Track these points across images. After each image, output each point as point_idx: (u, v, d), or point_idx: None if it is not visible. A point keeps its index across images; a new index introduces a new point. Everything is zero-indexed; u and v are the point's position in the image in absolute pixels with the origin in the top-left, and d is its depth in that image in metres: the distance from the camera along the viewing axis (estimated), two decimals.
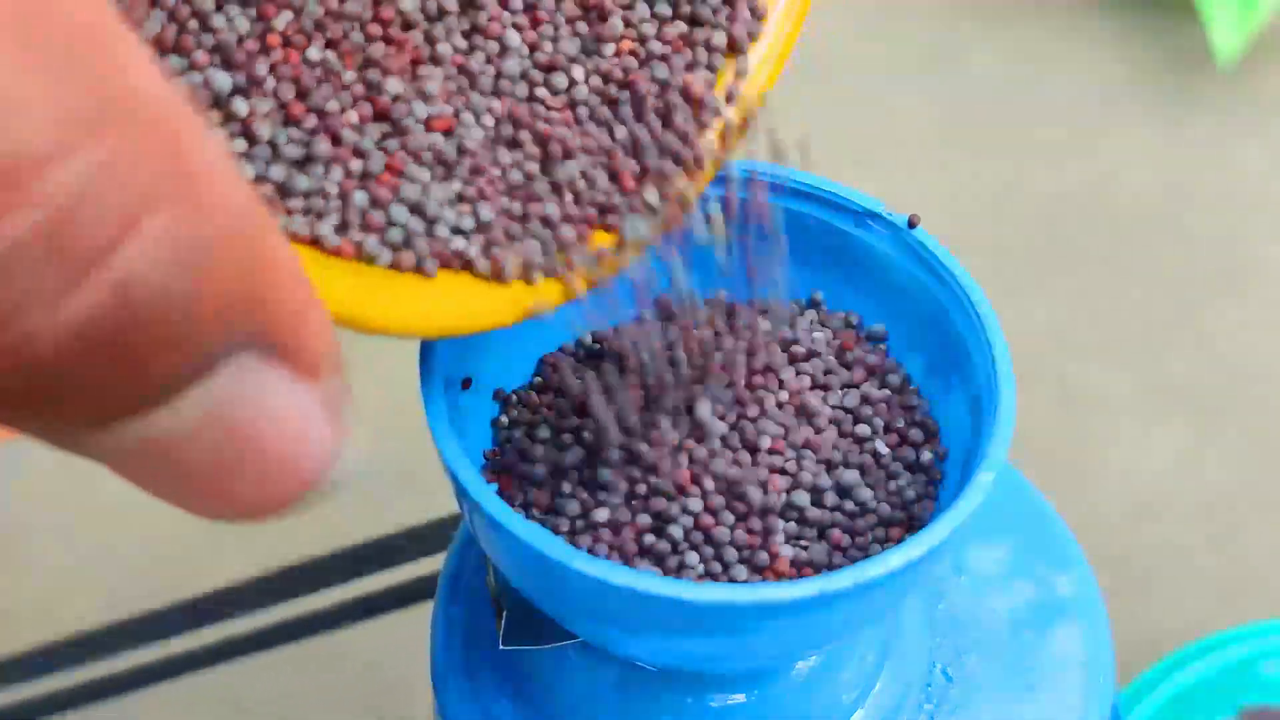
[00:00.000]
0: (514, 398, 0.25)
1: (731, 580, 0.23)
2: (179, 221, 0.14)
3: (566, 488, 0.23)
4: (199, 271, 0.14)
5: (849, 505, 0.24)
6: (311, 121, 0.21)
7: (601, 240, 0.22)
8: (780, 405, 0.24)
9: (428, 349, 0.24)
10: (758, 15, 0.24)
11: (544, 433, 0.24)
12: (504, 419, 0.25)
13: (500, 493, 0.24)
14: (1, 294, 0.13)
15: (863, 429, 0.25)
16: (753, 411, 0.24)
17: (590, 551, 0.23)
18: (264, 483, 0.16)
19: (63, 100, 0.13)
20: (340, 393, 0.16)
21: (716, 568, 0.23)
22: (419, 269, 0.21)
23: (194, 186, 0.14)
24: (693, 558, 0.23)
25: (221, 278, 0.14)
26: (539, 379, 0.26)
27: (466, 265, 0.22)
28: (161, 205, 0.14)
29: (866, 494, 0.24)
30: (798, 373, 0.25)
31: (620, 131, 0.23)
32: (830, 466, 0.24)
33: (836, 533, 0.23)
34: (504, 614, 0.26)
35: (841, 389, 0.25)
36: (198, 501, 0.16)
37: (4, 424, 0.14)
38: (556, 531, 0.23)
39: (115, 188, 0.13)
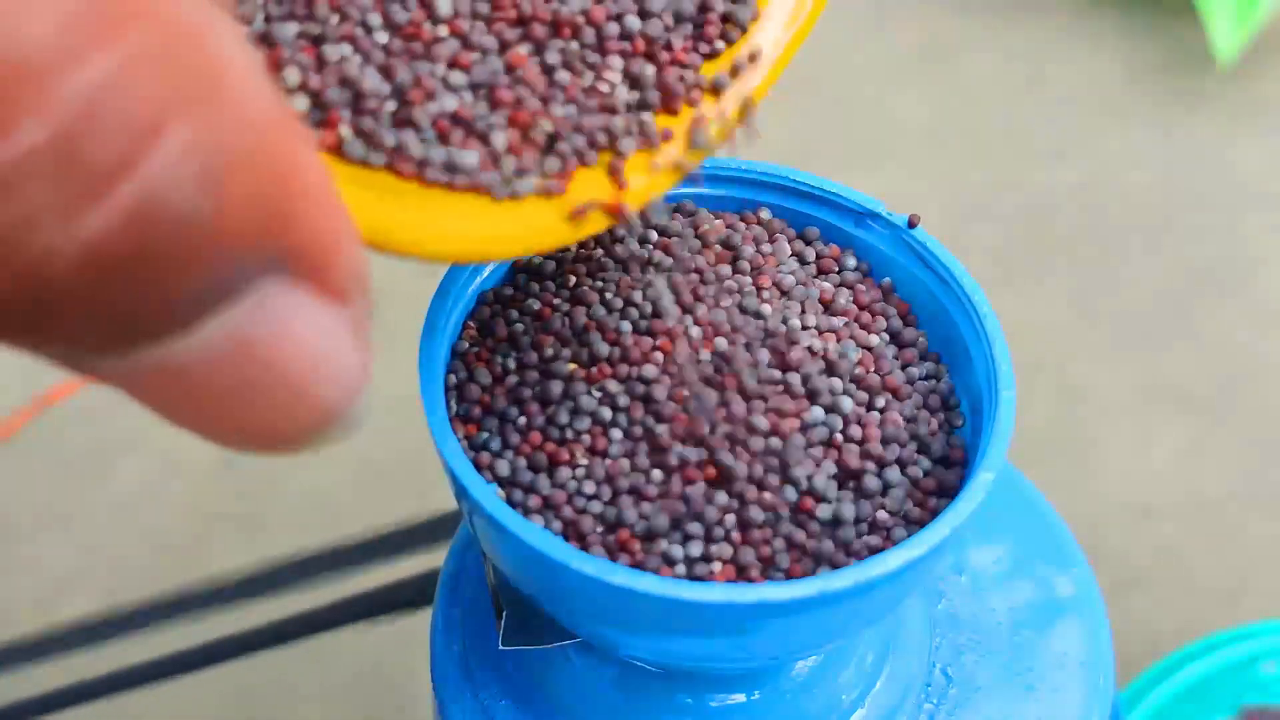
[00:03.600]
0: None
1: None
2: (204, 133, 0.12)
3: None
4: (225, 188, 0.13)
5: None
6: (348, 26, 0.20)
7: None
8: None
9: (428, 348, 0.24)
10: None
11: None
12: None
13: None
14: (11, 210, 0.12)
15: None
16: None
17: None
18: (286, 410, 0.14)
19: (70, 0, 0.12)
20: (367, 317, 0.15)
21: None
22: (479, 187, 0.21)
23: (220, 94, 0.13)
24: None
25: (248, 194, 0.13)
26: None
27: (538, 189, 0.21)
28: (184, 115, 0.12)
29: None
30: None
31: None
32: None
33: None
34: (504, 614, 0.26)
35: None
36: (216, 429, 0.15)
37: (16, 347, 0.13)
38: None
39: (133, 96, 0.12)
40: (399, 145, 0.21)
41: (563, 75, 0.22)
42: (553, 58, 0.22)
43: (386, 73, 0.21)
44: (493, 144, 0.21)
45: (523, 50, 0.22)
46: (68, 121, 0.12)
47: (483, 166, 0.21)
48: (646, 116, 0.22)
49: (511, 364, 0.24)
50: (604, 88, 0.22)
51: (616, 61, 0.22)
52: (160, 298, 0.13)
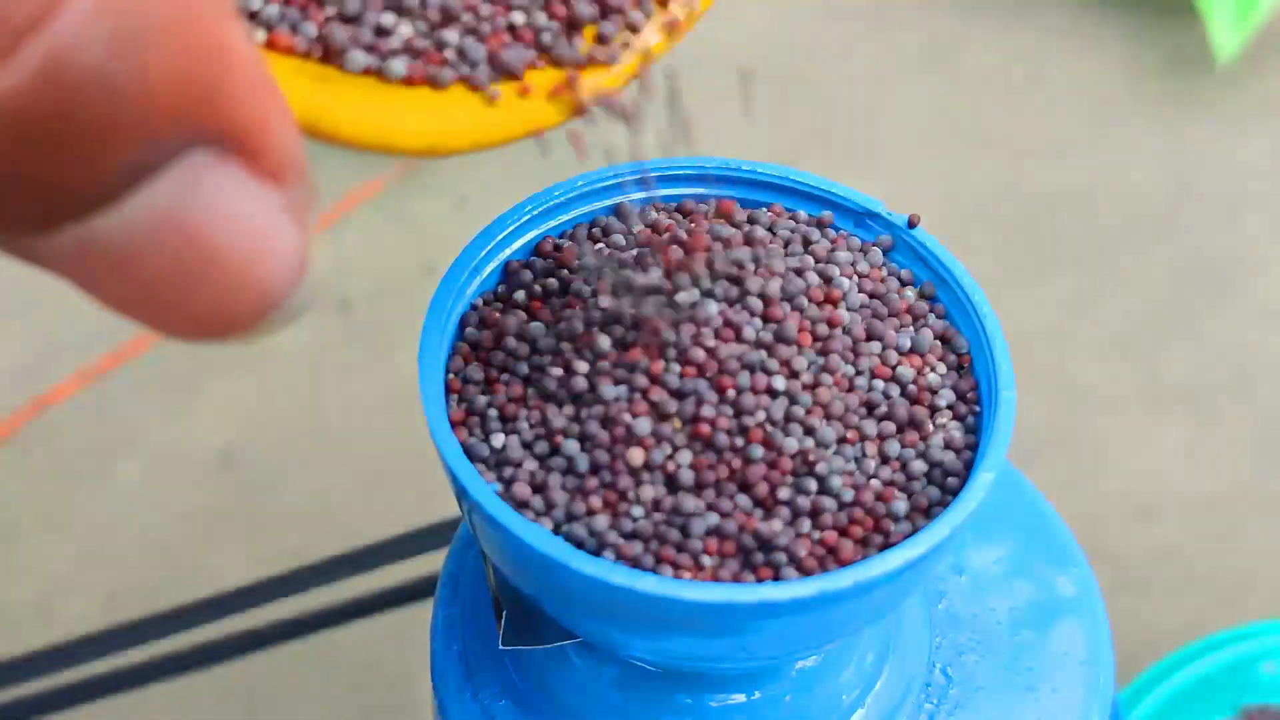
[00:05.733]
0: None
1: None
2: None
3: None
4: (142, 51, 0.12)
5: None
6: None
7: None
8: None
9: (428, 348, 0.24)
10: None
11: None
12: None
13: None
14: None
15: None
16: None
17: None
18: (223, 293, 0.14)
19: None
20: (307, 199, 0.15)
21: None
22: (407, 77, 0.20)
23: None
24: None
25: (168, 61, 0.13)
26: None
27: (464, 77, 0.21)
28: None
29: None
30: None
31: None
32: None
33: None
34: (504, 614, 0.26)
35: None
36: (154, 314, 0.14)
37: None
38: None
39: None
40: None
41: None
42: None
43: None
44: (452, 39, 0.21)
45: None
46: None
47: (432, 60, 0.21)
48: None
49: (510, 364, 0.24)
50: None
51: None
52: (84, 168, 0.13)
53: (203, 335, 0.15)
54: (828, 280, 0.25)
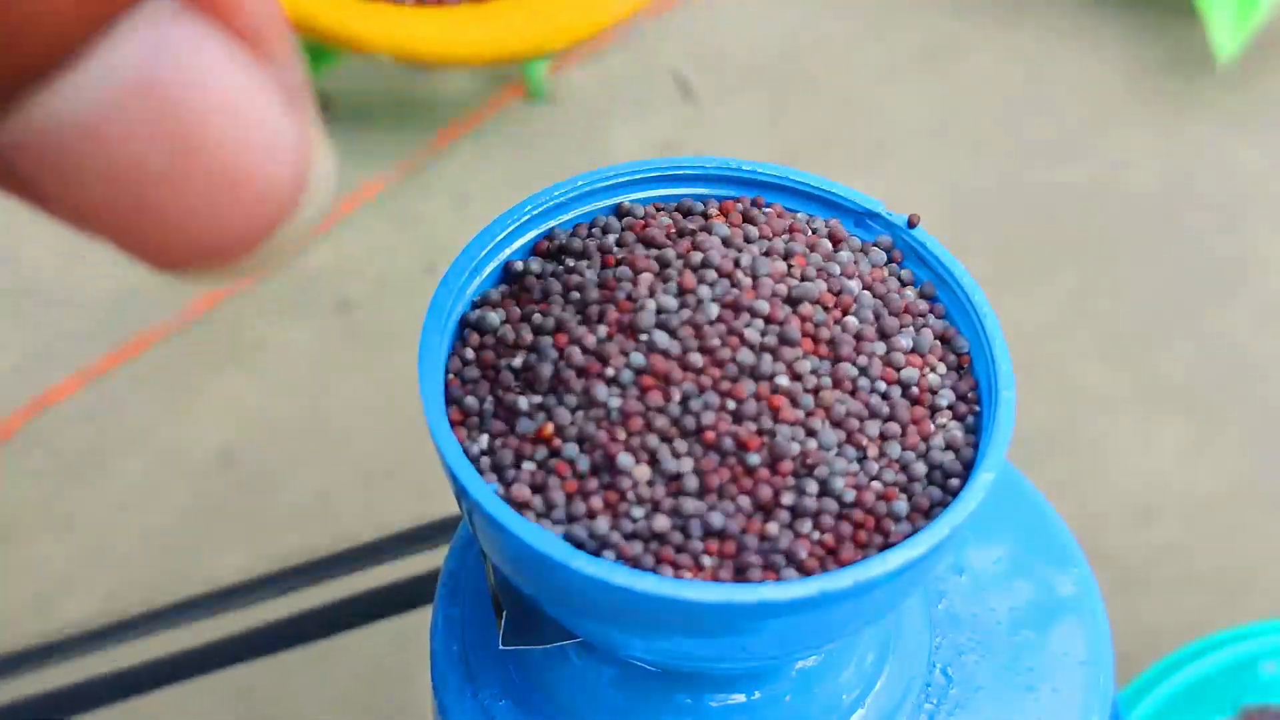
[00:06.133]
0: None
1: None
2: None
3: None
4: None
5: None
6: None
7: None
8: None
9: (428, 349, 0.24)
10: None
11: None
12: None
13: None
14: None
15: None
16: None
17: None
18: (214, 190, 0.12)
19: None
20: (299, 86, 0.13)
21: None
22: None
23: None
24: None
25: None
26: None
27: None
28: None
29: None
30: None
31: None
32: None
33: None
34: (504, 614, 0.26)
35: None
36: (131, 224, 0.12)
37: None
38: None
39: None
40: None
41: None
42: None
43: None
44: None
45: None
46: None
47: None
48: None
49: (510, 364, 0.24)
50: None
51: None
52: (20, 20, 0.11)
53: (195, 255, 0.12)
54: (835, 284, 0.25)
